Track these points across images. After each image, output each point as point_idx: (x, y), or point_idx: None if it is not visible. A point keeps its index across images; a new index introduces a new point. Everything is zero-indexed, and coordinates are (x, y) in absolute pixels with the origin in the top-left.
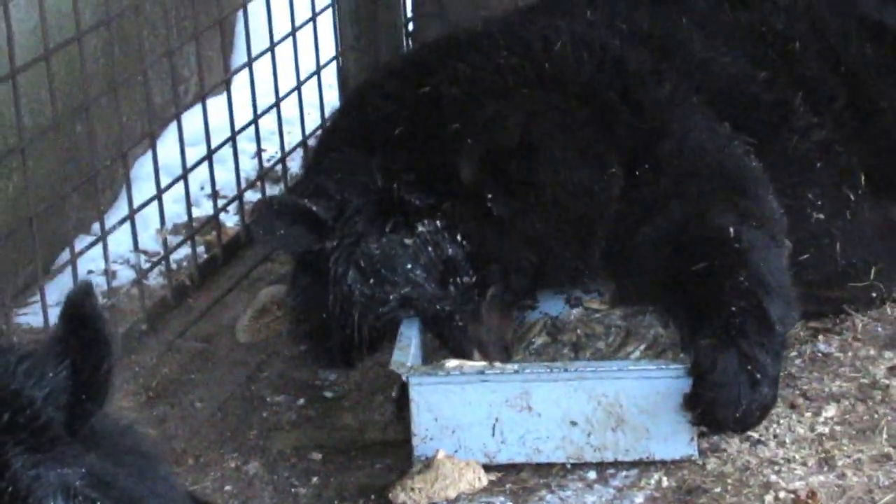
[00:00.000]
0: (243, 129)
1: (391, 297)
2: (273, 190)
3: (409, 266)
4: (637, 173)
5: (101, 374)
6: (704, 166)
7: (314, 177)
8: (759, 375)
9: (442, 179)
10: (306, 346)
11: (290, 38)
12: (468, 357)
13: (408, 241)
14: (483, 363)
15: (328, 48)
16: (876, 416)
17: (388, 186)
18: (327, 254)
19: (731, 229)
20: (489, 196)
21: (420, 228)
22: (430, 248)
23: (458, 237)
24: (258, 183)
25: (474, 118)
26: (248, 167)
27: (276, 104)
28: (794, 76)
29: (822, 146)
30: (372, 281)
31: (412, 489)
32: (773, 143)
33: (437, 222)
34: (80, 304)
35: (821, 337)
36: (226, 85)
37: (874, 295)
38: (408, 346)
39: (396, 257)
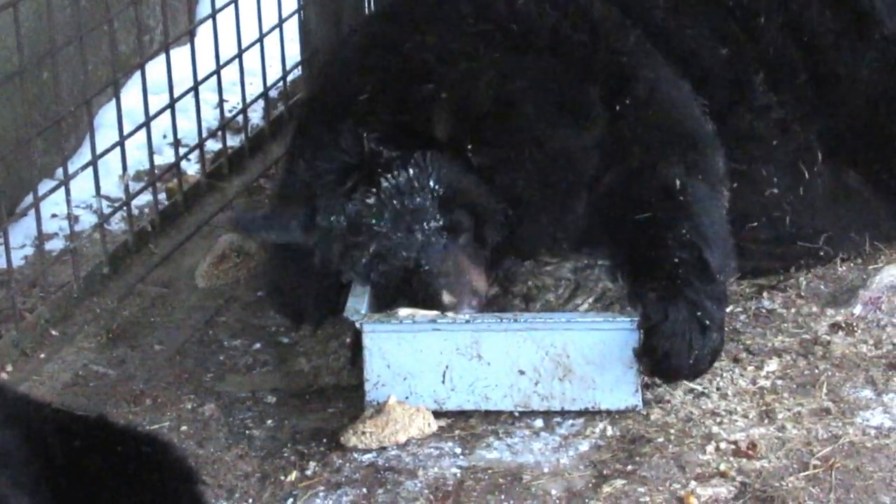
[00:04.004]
0: (206, 79)
1: (363, 260)
2: (234, 140)
3: (374, 221)
4: (617, 108)
5: None
6: (666, 118)
7: (289, 167)
8: (707, 322)
9: (412, 134)
10: (275, 302)
11: None
12: (438, 301)
13: (370, 201)
14: (435, 312)
15: (291, 1)
16: (816, 371)
17: (356, 144)
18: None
19: (678, 181)
20: (468, 147)
21: (384, 184)
22: (395, 201)
23: (431, 183)
24: (219, 132)
25: (446, 76)
26: (210, 117)
27: (239, 55)
28: (758, 54)
29: (779, 125)
30: (348, 254)
31: (363, 433)
32: (728, 120)
33: (409, 170)
34: None
35: (765, 294)
36: (190, 36)
37: (821, 254)
38: (362, 294)
39: (361, 219)
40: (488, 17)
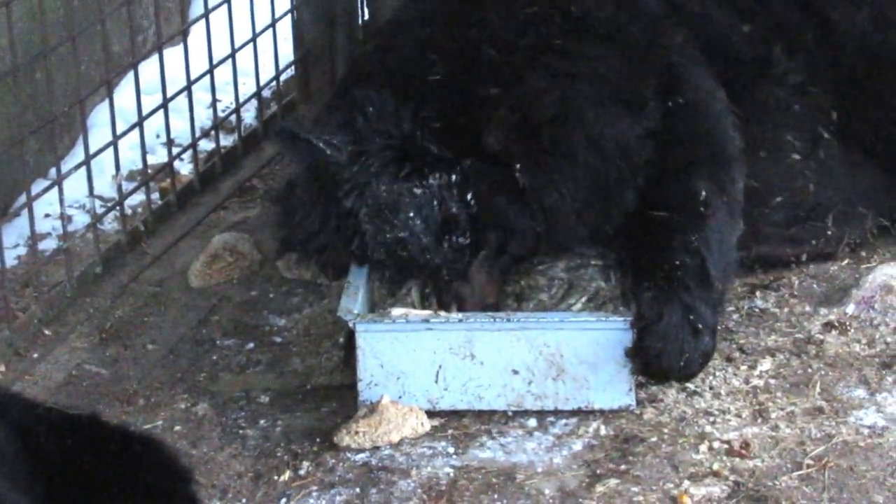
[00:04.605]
0: (199, 78)
1: (388, 236)
2: (227, 140)
3: (412, 214)
4: (670, 104)
5: None
6: (706, 129)
7: (344, 109)
8: (700, 325)
9: (467, 138)
10: (291, 253)
11: None
12: (447, 309)
13: (417, 191)
14: (429, 312)
15: (284, 1)
16: (809, 370)
17: (413, 133)
18: (339, 183)
19: (703, 193)
20: (517, 166)
21: (431, 181)
22: (434, 203)
23: (468, 197)
24: (213, 132)
25: (512, 89)
26: (203, 117)
27: (232, 55)
28: (772, 23)
29: (797, 88)
30: (377, 218)
31: (357, 433)
32: (754, 91)
33: (452, 177)
34: None
35: (758, 293)
36: (183, 35)
37: (829, 234)
38: (355, 293)
39: (402, 203)
40: (549, 2)
